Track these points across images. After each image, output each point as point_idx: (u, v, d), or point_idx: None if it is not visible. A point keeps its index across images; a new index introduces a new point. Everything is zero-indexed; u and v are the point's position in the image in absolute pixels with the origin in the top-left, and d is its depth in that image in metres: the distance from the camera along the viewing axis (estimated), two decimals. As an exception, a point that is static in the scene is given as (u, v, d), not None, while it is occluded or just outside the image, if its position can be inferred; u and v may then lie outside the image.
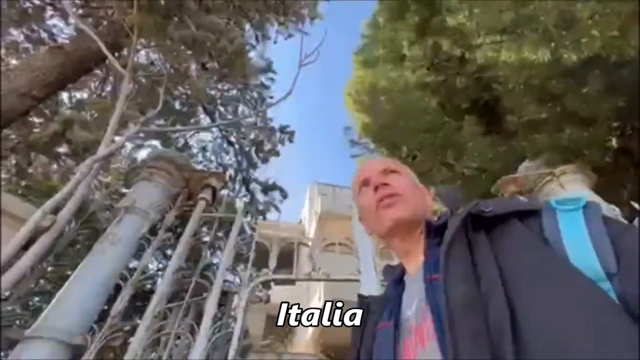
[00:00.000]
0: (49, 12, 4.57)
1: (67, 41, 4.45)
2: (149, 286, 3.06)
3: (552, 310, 0.39)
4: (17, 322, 3.21)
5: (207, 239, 2.85)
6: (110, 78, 5.14)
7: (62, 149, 4.15)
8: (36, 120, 4.16)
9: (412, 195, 0.68)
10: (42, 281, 3.70)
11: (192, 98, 4.43)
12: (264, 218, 6.80)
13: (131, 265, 2.88)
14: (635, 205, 2.59)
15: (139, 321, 2.03)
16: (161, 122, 4.97)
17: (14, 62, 4.33)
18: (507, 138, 3.48)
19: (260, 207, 6.81)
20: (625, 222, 0.53)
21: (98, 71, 4.83)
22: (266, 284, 2.84)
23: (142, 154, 5.32)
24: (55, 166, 4.23)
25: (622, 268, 0.41)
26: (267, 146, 7.16)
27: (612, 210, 2.52)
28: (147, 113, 3.10)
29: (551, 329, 0.37)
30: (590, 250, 0.43)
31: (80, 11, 4.75)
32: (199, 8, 3.52)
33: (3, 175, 4.51)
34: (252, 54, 6.31)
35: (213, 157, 6.87)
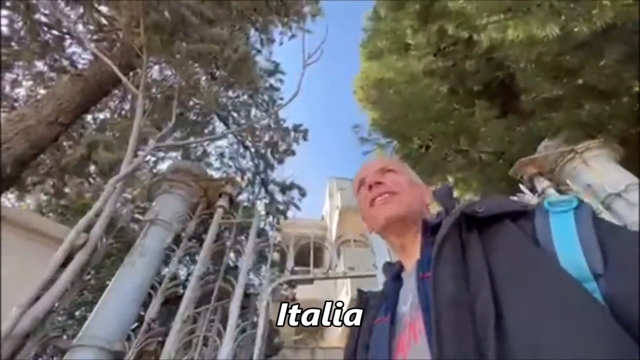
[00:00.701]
0: (68, 40, 4.86)
1: (87, 66, 4.73)
2: (181, 291, 3.25)
3: (536, 309, 0.40)
4: (66, 330, 3.52)
5: (228, 243, 2.97)
6: (128, 96, 5.41)
7: (92, 168, 4.45)
8: (65, 143, 4.47)
9: (408, 192, 0.71)
10: (85, 292, 4.01)
11: (205, 108, 4.58)
12: (285, 217, 6.93)
13: (163, 273, 3.07)
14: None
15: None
16: (178, 134, 5.17)
17: (42, 91, 4.66)
18: (523, 119, 3.34)
19: (281, 207, 6.94)
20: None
21: (116, 91, 5.10)
22: (290, 283, 2.93)
23: (164, 167, 5.58)
24: (87, 185, 4.53)
25: (609, 268, 0.42)
26: (282, 146, 7.25)
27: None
28: (163, 128, 3.25)
29: (533, 328, 0.39)
30: (578, 251, 0.44)
31: (95, 36, 5.02)
32: (202, 21, 3.62)
33: (43, 197, 4.90)
34: (258, 58, 6.41)
35: (231, 162, 7.06)
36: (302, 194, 6.93)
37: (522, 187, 2.95)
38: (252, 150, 7.00)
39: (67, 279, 1.98)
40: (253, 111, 7.03)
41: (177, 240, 2.75)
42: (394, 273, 0.70)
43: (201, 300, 2.51)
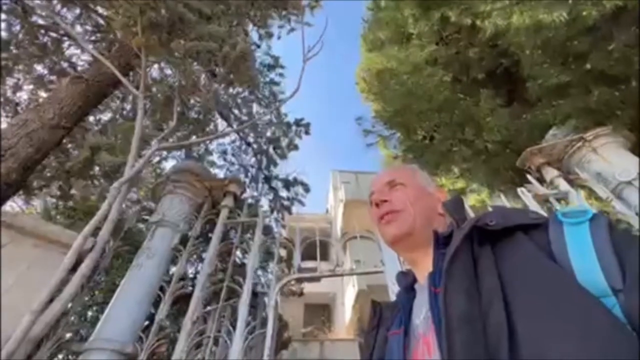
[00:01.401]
0: (66, 42, 4.84)
1: (87, 68, 4.71)
2: (190, 289, 3.28)
3: (550, 327, 0.39)
4: (80, 331, 3.58)
5: (235, 241, 2.98)
6: (129, 96, 5.39)
7: (97, 170, 4.46)
8: (69, 146, 4.48)
9: (415, 207, 0.69)
10: (96, 293, 4.07)
11: (206, 106, 4.55)
12: (290, 213, 6.93)
13: (171, 272, 3.10)
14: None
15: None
16: (180, 133, 5.16)
17: (43, 95, 4.66)
18: (530, 107, 3.27)
19: (285, 203, 6.94)
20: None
21: (117, 92, 5.08)
22: (297, 280, 2.94)
23: (168, 166, 5.59)
24: (92, 187, 4.56)
25: (628, 282, 0.40)
26: (285, 141, 7.22)
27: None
28: (165, 128, 3.24)
29: (547, 347, 0.37)
30: (596, 265, 0.43)
31: (93, 37, 4.99)
32: (200, 18, 3.57)
33: (50, 200, 4.95)
34: (258, 52, 6.34)
35: (234, 160, 7.05)
36: (306, 189, 6.91)
37: (529, 177, 2.90)
38: (255, 146, 6.98)
39: (76, 283, 2.00)
40: (254, 107, 6.99)
41: (183, 240, 2.76)
42: (407, 284, 0.69)
43: (210, 299, 2.53)
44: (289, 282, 2.28)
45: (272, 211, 6.56)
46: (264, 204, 6.65)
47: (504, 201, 2.84)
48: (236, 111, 6.59)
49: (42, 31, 4.48)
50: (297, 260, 2.30)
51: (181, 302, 3.13)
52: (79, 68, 4.85)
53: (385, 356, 0.62)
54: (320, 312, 12.09)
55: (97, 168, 4.31)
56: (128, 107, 5.48)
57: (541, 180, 2.93)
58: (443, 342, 0.44)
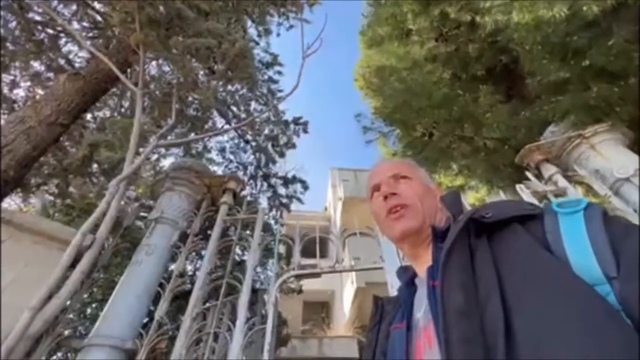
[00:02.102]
0: (63, 39, 4.80)
1: (84, 64, 4.68)
2: (189, 286, 3.27)
3: (547, 318, 0.39)
4: (79, 328, 3.58)
5: (234, 238, 2.98)
6: (127, 93, 5.37)
7: (95, 167, 4.45)
8: (67, 144, 4.46)
9: (422, 202, 0.69)
10: (95, 290, 4.06)
11: (205, 103, 4.54)
12: (289, 211, 6.93)
13: (171, 269, 3.09)
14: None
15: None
16: (178, 130, 5.14)
17: (40, 92, 4.63)
18: (529, 103, 3.27)
19: (284, 201, 6.93)
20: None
21: (115, 89, 5.05)
22: (296, 277, 2.94)
23: (167, 163, 5.57)
24: (90, 184, 4.54)
25: (622, 270, 0.41)
26: (283, 139, 7.20)
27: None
28: (163, 125, 3.22)
29: (544, 338, 0.38)
30: (590, 254, 0.43)
31: (90, 34, 4.95)
32: (198, 14, 3.55)
33: (48, 197, 4.93)
34: (256, 50, 6.31)
35: (232, 157, 7.03)
36: (305, 187, 6.91)
37: (528, 174, 2.91)
38: (253, 144, 6.96)
39: (75, 280, 1.99)
40: (253, 105, 6.97)
41: (182, 237, 2.76)
42: (408, 279, 0.70)
43: (210, 296, 2.53)
44: (288, 279, 2.28)
45: (270, 209, 6.56)
46: (263, 201, 6.65)
47: (502, 198, 2.85)
48: (235, 108, 6.57)
49: (39, 28, 4.44)
50: (296, 257, 2.30)
51: (180, 299, 3.14)
52: (77, 65, 4.82)
53: (388, 350, 0.62)
54: (319, 310, 12.13)
55: (95, 165, 4.29)
56: (126, 104, 5.45)
57: (540, 177, 2.94)
58: (441, 336, 0.44)
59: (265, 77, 6.70)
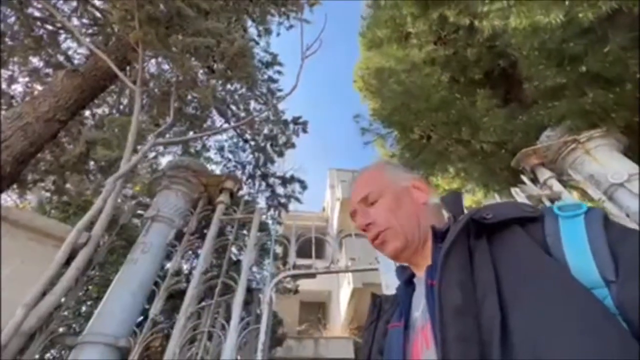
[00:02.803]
0: (63, 35, 4.79)
1: (83, 61, 4.67)
2: (184, 285, 3.27)
3: (542, 320, 0.39)
4: (73, 326, 3.57)
5: (231, 238, 2.98)
6: (126, 91, 5.36)
7: (92, 165, 4.44)
8: (64, 140, 4.45)
9: (398, 217, 0.69)
10: (89, 288, 4.05)
11: (203, 102, 4.54)
12: (287, 211, 6.93)
13: (166, 268, 3.08)
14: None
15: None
16: (176, 129, 5.13)
17: (38, 88, 4.62)
18: (525, 108, 3.30)
19: (282, 200, 6.93)
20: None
21: (113, 86, 5.04)
22: (292, 277, 2.95)
23: (164, 161, 5.56)
24: (87, 182, 4.53)
25: (621, 274, 0.41)
26: (282, 139, 7.20)
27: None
28: (161, 124, 3.22)
29: (539, 339, 0.38)
30: (589, 257, 0.44)
31: (90, 30, 4.94)
32: (198, 13, 3.55)
33: (45, 194, 4.91)
34: (256, 49, 6.31)
35: (231, 156, 7.03)
36: (303, 187, 6.91)
37: (523, 177, 2.93)
38: (252, 143, 6.96)
39: (70, 277, 1.99)
40: (252, 104, 6.96)
41: (179, 236, 2.76)
42: (406, 278, 0.70)
43: (205, 295, 2.53)
44: (284, 278, 2.29)
45: (268, 208, 6.56)
46: (261, 201, 6.65)
47: (498, 201, 2.86)
48: (234, 107, 6.57)
49: (38, 23, 4.43)
50: (292, 257, 2.31)
51: (175, 298, 3.13)
52: (75, 62, 4.81)
53: (385, 348, 0.63)
54: (316, 310, 12.13)
55: (92, 163, 4.28)
56: (124, 102, 5.44)
57: (535, 180, 2.96)
58: (437, 335, 0.45)
59: (265, 76, 6.70)
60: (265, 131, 7.05)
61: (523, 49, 2.71)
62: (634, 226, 2.10)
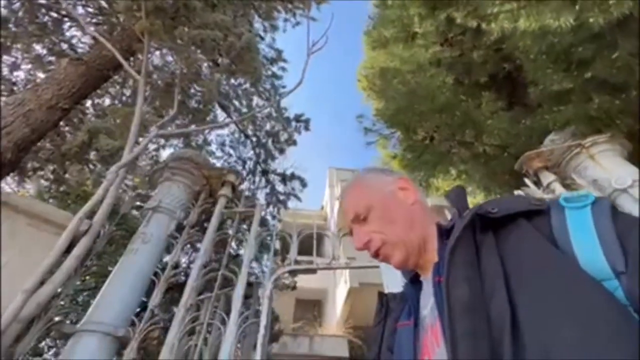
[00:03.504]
0: (67, 23, 4.76)
1: (87, 49, 4.64)
2: (183, 278, 3.25)
3: (552, 314, 0.39)
4: (69, 315, 3.56)
5: (231, 231, 2.97)
6: (129, 82, 5.33)
7: (93, 155, 4.41)
8: (66, 129, 4.42)
9: (393, 228, 0.68)
10: (88, 278, 4.04)
11: (207, 96, 4.52)
12: (286, 208, 6.93)
13: (165, 260, 3.07)
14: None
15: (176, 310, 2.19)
16: (179, 121, 5.12)
17: (41, 75, 4.59)
18: (530, 112, 3.30)
19: (282, 197, 6.93)
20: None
21: (116, 77, 5.01)
22: (292, 272, 2.95)
23: (165, 154, 5.55)
24: (87, 172, 4.51)
25: (630, 265, 0.40)
26: (284, 136, 7.19)
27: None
28: (164, 116, 3.21)
29: (550, 333, 0.38)
30: (598, 249, 0.43)
31: (95, 19, 4.91)
32: (205, 5, 3.53)
33: (44, 183, 4.89)
34: (261, 45, 6.30)
35: (232, 151, 7.02)
36: (303, 185, 6.91)
37: (526, 180, 2.93)
38: (253, 139, 6.95)
39: (70, 265, 1.98)
40: (255, 100, 6.95)
41: (179, 228, 2.74)
42: (413, 275, 0.70)
43: (204, 288, 2.52)
44: (284, 274, 2.28)
45: (268, 205, 6.55)
46: (261, 197, 6.65)
47: (500, 203, 2.86)
48: (236, 102, 6.55)
49: (43, 10, 4.40)
50: (293, 253, 2.30)
51: (174, 291, 3.12)
52: (79, 50, 4.78)
53: (395, 347, 0.62)
54: (311, 308, 12.14)
55: (93, 153, 4.26)
56: (127, 92, 5.42)
57: (538, 184, 2.96)
58: (446, 331, 0.44)
59: (269, 72, 6.69)
60: (268, 127, 7.04)
61: (531, 52, 2.71)
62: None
